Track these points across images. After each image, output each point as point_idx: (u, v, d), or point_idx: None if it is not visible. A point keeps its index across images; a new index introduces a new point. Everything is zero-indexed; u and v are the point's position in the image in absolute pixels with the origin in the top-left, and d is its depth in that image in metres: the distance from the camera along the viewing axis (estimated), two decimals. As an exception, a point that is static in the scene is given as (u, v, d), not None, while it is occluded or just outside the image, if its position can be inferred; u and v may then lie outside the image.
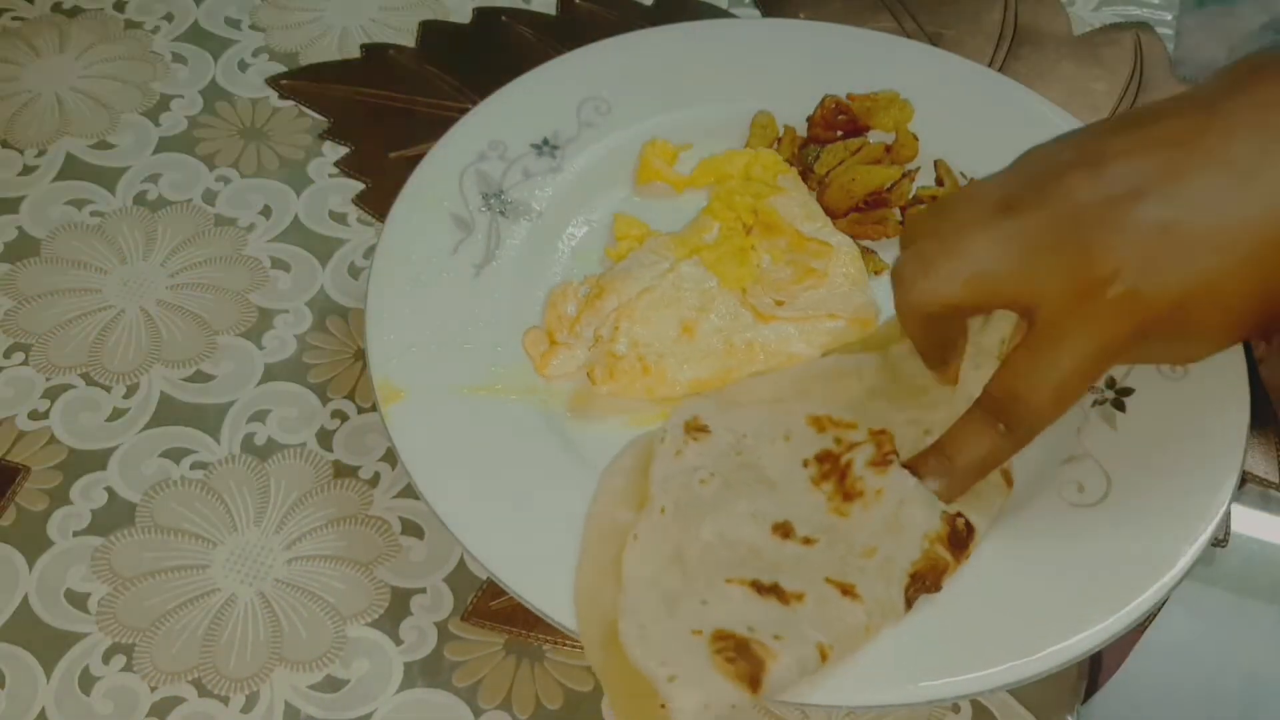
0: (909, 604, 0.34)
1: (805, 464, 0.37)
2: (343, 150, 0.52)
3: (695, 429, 0.37)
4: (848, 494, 0.36)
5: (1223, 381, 0.41)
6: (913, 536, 0.35)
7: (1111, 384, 0.42)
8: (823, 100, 0.48)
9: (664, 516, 0.35)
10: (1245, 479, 0.43)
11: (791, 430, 0.38)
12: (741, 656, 0.32)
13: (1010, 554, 0.37)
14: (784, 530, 0.35)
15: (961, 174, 0.48)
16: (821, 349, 0.42)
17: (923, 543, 0.35)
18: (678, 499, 0.36)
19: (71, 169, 0.51)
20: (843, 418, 0.38)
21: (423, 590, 0.39)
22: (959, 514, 0.36)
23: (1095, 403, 0.41)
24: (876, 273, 0.45)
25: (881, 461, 0.37)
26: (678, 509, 0.35)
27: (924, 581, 0.34)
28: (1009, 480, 0.37)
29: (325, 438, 0.43)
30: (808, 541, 0.35)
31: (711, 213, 0.45)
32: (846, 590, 0.34)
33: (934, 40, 0.57)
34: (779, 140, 0.48)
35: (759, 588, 0.34)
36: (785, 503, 0.36)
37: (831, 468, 0.37)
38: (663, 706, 0.31)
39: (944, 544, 0.35)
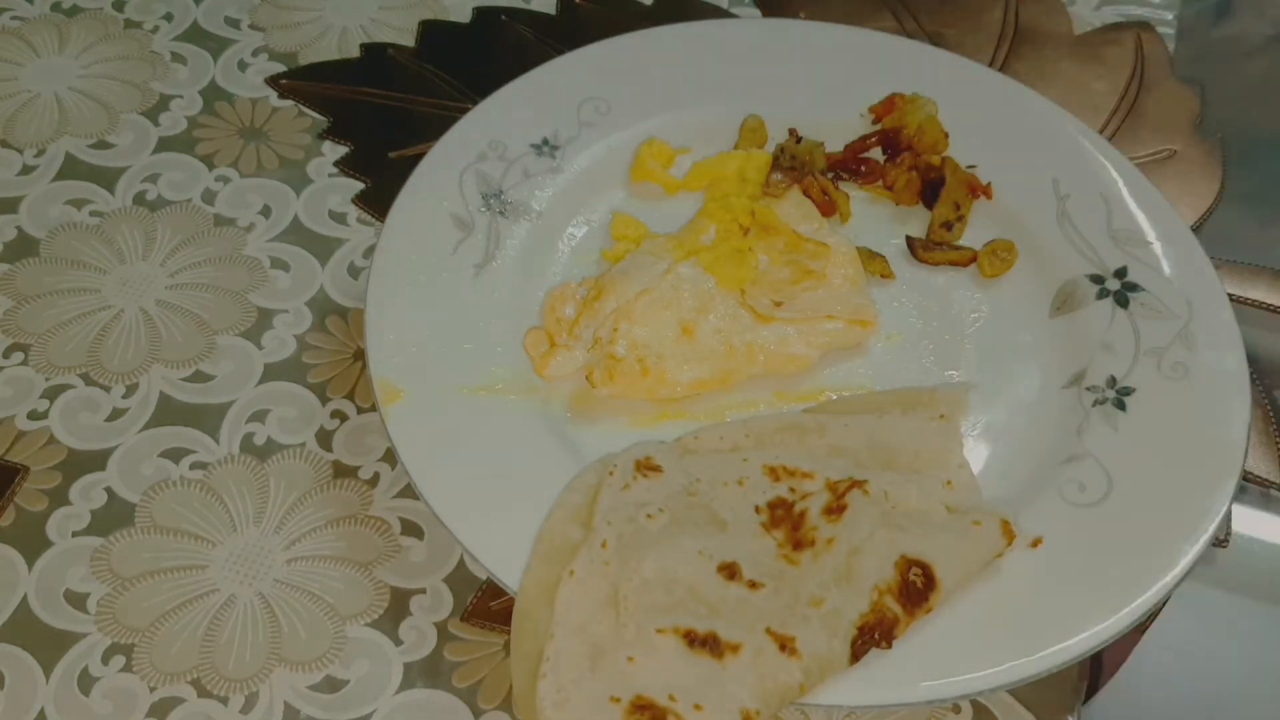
0: (856, 657, 0.33)
1: (757, 510, 0.36)
2: (342, 150, 0.52)
3: (647, 467, 0.37)
4: (799, 543, 0.35)
5: (1224, 382, 0.41)
6: (862, 587, 0.34)
7: (1113, 384, 0.42)
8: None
9: (605, 552, 0.35)
10: (1246, 479, 0.43)
11: (746, 476, 0.37)
12: None
13: (1011, 554, 0.36)
14: (730, 571, 0.34)
15: (970, 167, 0.48)
16: (820, 349, 0.42)
17: (872, 594, 0.34)
18: (621, 533, 0.35)
19: (71, 169, 0.51)
20: (799, 467, 0.37)
21: (422, 590, 0.39)
22: (917, 564, 0.34)
23: (1096, 403, 0.41)
24: (883, 276, 0.45)
25: (836, 509, 0.36)
26: (620, 543, 0.35)
27: (873, 635, 0.33)
28: (1009, 533, 0.36)
29: (325, 438, 0.43)
30: (754, 586, 0.34)
31: (707, 214, 0.45)
32: (785, 644, 0.33)
33: (934, 40, 0.57)
34: (779, 149, 0.48)
35: (691, 639, 0.33)
36: (734, 544, 0.35)
37: (784, 514, 0.36)
38: None
39: (894, 596, 0.34)
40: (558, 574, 0.34)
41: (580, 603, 0.34)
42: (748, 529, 0.36)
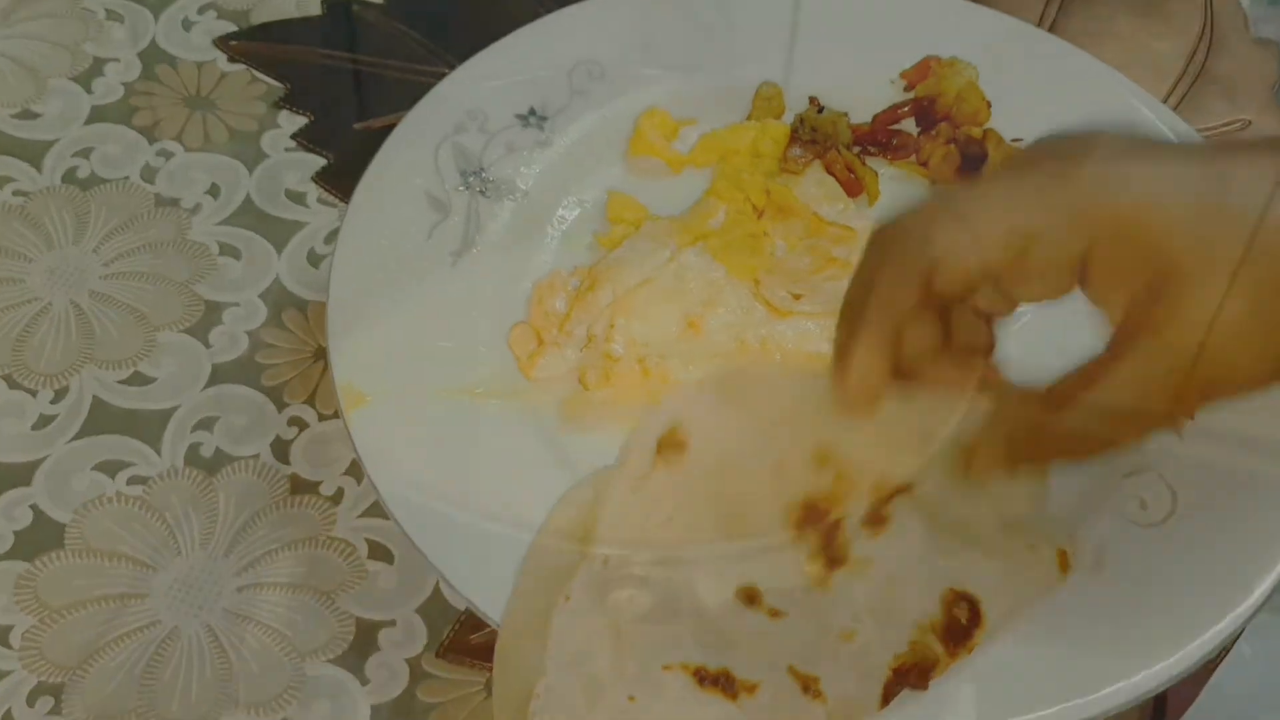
0: (887, 700, 0.31)
1: (788, 509, 0.34)
2: (301, 121, 0.50)
3: (671, 444, 0.35)
4: (833, 559, 0.33)
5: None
6: (902, 623, 0.32)
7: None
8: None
9: (606, 570, 0.33)
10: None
11: (786, 461, 0.34)
12: None
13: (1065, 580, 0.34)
14: (749, 596, 0.32)
15: (1015, 141, 0.45)
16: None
17: (913, 632, 0.31)
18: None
19: (-8, 142, 0.50)
20: (851, 455, 0.34)
21: (392, 622, 0.37)
22: (965, 596, 0.32)
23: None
24: None
25: (876, 521, 0.33)
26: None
27: (908, 678, 0.31)
28: (1065, 565, 0.33)
29: (281, 448, 0.41)
30: (775, 614, 0.32)
31: (716, 193, 0.43)
32: (809, 685, 0.31)
33: (976, -4, 0.55)
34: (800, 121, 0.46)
35: (702, 677, 0.31)
36: (757, 559, 0.33)
37: (816, 518, 0.34)
38: None
39: (938, 635, 0.32)
40: (548, 602, 0.32)
41: (576, 632, 0.32)
42: (775, 535, 0.34)
